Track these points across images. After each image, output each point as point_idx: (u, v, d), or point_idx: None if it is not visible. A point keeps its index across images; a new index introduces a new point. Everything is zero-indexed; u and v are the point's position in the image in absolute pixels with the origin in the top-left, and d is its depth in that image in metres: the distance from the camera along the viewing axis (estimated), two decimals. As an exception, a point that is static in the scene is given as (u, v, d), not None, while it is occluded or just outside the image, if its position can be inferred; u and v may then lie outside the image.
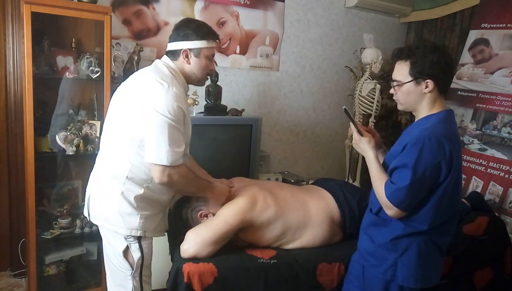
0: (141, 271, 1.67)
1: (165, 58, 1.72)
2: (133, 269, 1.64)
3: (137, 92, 1.58)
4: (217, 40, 1.72)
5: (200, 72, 1.71)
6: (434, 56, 1.49)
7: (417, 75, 1.51)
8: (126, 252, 1.63)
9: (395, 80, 1.58)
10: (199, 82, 1.77)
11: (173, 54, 1.69)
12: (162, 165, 1.52)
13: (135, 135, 1.55)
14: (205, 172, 2.07)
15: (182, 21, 1.74)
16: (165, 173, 1.54)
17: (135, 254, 1.64)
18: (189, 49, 1.65)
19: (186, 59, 1.66)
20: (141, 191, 1.60)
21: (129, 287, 1.65)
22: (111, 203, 1.60)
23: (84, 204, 1.74)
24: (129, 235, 1.61)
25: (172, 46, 1.69)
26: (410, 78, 1.53)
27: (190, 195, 1.88)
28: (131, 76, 1.71)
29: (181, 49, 1.66)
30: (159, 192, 1.65)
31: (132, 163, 1.58)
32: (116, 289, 1.71)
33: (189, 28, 1.66)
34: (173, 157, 1.52)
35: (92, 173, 1.74)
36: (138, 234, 1.62)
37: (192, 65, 1.68)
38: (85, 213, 1.74)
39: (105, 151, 1.68)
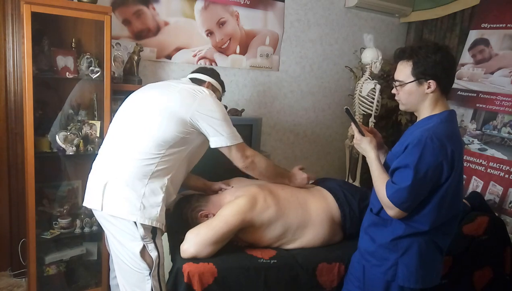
0: (159, 269, 1.68)
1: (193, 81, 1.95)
2: (151, 269, 1.65)
3: (185, 103, 1.71)
4: (224, 93, 2.09)
5: None
6: (436, 56, 1.48)
7: (420, 76, 1.51)
8: (143, 252, 1.63)
9: (397, 81, 1.58)
10: None
11: (199, 81, 1.94)
12: (237, 144, 1.76)
13: (172, 138, 1.67)
14: (199, 177, 2.10)
15: (210, 67, 2.16)
16: (245, 154, 1.80)
17: (153, 253, 1.66)
18: (211, 84, 1.95)
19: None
20: (166, 181, 1.69)
21: (147, 288, 1.65)
22: (136, 191, 1.63)
23: (86, 197, 1.74)
24: (145, 235, 1.63)
25: (199, 76, 1.97)
26: (412, 79, 1.52)
27: (271, 181, 2.01)
28: (165, 83, 1.92)
29: (206, 81, 1.95)
30: (175, 186, 1.76)
31: (163, 154, 1.66)
32: (130, 290, 1.70)
33: (213, 72, 2.02)
34: (238, 135, 1.78)
35: (105, 161, 1.74)
36: (158, 225, 1.66)
37: None
38: (92, 204, 1.70)
39: (129, 140, 1.70)
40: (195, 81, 1.93)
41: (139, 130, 1.69)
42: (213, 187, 2.08)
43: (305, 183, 2.08)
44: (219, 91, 2.00)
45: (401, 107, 1.64)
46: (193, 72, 2.01)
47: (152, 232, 1.65)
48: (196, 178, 2.09)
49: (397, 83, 1.58)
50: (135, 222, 1.61)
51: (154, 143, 1.65)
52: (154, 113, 1.70)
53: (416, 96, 1.55)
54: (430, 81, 1.50)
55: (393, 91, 1.63)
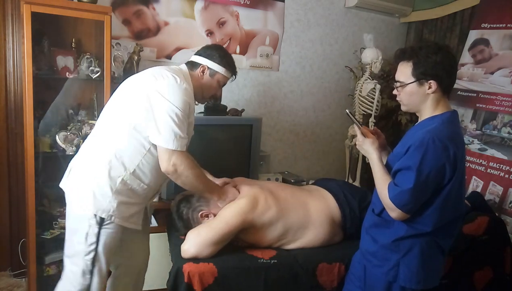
0: (94, 258, 1.65)
1: (183, 65, 1.85)
2: (85, 252, 1.64)
3: (149, 81, 1.66)
4: (234, 76, 1.91)
5: (206, 91, 1.87)
6: (437, 56, 1.47)
7: (420, 76, 1.50)
8: (84, 233, 1.64)
9: (398, 81, 1.57)
10: (201, 99, 1.92)
11: (193, 66, 1.84)
12: (168, 149, 1.60)
13: (134, 117, 1.63)
14: (206, 172, 2.05)
15: (215, 45, 1.95)
16: (171, 160, 1.62)
17: (90, 239, 1.63)
18: (208, 67, 1.83)
19: (201, 74, 1.83)
20: (125, 173, 1.64)
21: (80, 265, 1.65)
22: (89, 180, 1.64)
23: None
24: (93, 218, 1.61)
25: (195, 58, 1.86)
26: (413, 79, 1.52)
27: (197, 193, 1.90)
28: (142, 72, 1.79)
29: (201, 64, 1.83)
30: (139, 182, 1.69)
31: (123, 144, 1.64)
32: (67, 260, 1.71)
33: (217, 52, 1.85)
34: (178, 141, 1.61)
35: (79, 152, 1.77)
36: (103, 215, 1.62)
37: (204, 82, 1.83)
38: (62, 185, 1.75)
39: (99, 132, 1.73)
40: (190, 65, 1.84)
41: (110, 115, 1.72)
42: (218, 182, 2.02)
43: (237, 196, 1.92)
44: (221, 74, 1.84)
45: (403, 108, 1.63)
46: (195, 53, 1.89)
47: (100, 221, 1.64)
48: (206, 173, 2.04)
49: (398, 84, 1.57)
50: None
51: (120, 124, 1.66)
52: (123, 96, 1.72)
53: (417, 97, 1.54)
54: (431, 81, 1.50)
55: (394, 92, 1.62)
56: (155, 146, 1.65)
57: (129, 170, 1.65)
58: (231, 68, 1.88)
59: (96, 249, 1.65)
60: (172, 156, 1.62)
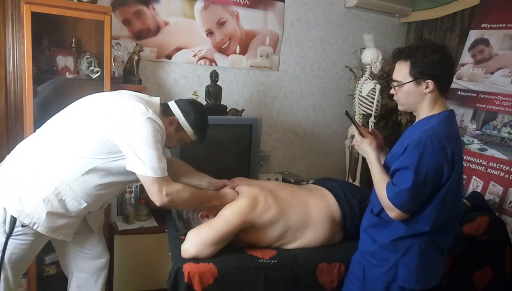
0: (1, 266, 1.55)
1: (156, 100, 1.74)
2: None
3: (116, 109, 1.58)
4: (200, 142, 1.84)
5: (166, 139, 1.71)
6: (434, 56, 1.48)
7: (418, 76, 1.50)
8: None
9: (395, 81, 1.58)
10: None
11: (165, 111, 1.75)
12: (156, 178, 1.55)
13: (91, 139, 1.56)
14: (204, 174, 2.06)
15: (197, 104, 1.83)
16: (163, 191, 1.58)
17: None
18: (178, 122, 1.74)
19: (168, 124, 1.71)
20: (59, 184, 1.56)
21: None
22: (17, 181, 1.54)
23: None
24: (1, 225, 1.51)
25: (172, 106, 1.77)
26: (410, 79, 1.52)
27: (199, 207, 1.87)
28: (109, 95, 1.72)
29: (173, 115, 1.74)
30: (72, 198, 1.59)
31: (66, 162, 1.57)
32: None
33: (195, 113, 1.76)
34: (163, 167, 1.56)
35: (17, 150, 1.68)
36: (26, 221, 1.52)
37: (167, 132, 1.69)
38: None
39: (45, 138, 1.64)
40: (164, 107, 1.74)
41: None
42: (217, 184, 2.02)
43: (236, 196, 1.90)
44: (186, 133, 1.76)
45: (400, 107, 1.64)
46: (176, 100, 1.80)
47: (9, 231, 1.54)
48: (203, 175, 2.04)
49: (395, 84, 1.58)
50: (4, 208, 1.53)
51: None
52: (81, 115, 1.64)
53: (414, 97, 1.54)
54: (428, 81, 1.50)
55: (392, 91, 1.62)
56: (95, 171, 1.58)
57: (64, 183, 1.56)
58: (201, 134, 1.81)
59: (1, 261, 1.54)
60: (162, 186, 1.57)
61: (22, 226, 1.54)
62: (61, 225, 1.60)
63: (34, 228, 1.54)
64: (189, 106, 1.76)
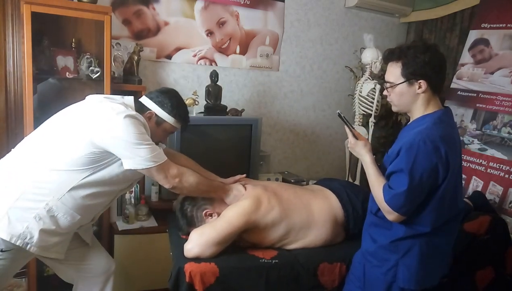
0: None
1: (129, 100, 1.71)
2: None
3: (96, 116, 1.57)
4: (185, 127, 1.81)
5: (151, 135, 1.68)
6: (425, 56, 1.47)
7: (410, 76, 1.50)
8: None
9: (387, 82, 1.57)
10: None
11: (141, 108, 1.72)
12: (158, 164, 1.58)
13: (80, 149, 1.53)
14: (212, 174, 2.06)
15: (170, 91, 1.80)
16: (169, 174, 1.62)
17: None
18: (155, 114, 1.72)
19: (147, 120, 1.68)
20: (50, 198, 1.52)
21: None
22: (6, 199, 1.49)
23: None
24: (7, 242, 1.46)
25: (145, 101, 1.74)
26: (402, 79, 1.51)
27: (204, 195, 1.87)
28: (84, 102, 1.70)
29: (149, 109, 1.71)
30: (65, 212, 1.56)
31: (56, 173, 1.54)
32: None
33: (170, 100, 1.72)
34: (160, 154, 1.59)
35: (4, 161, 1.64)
36: (18, 242, 1.46)
37: (149, 127, 1.68)
38: None
39: (31, 148, 1.61)
40: (139, 105, 1.71)
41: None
42: (227, 181, 2.01)
43: (241, 194, 1.90)
44: (169, 124, 1.73)
45: (394, 108, 1.63)
46: (147, 94, 1.77)
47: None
48: (211, 175, 2.03)
49: (387, 85, 1.57)
50: None
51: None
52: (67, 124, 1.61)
53: (407, 97, 1.54)
54: (420, 81, 1.49)
55: (385, 93, 1.62)
56: (85, 183, 1.56)
57: (55, 197, 1.53)
58: (182, 120, 1.77)
59: None
60: (167, 171, 1.61)
61: (2, 251, 1.48)
62: (54, 243, 1.57)
63: (27, 248, 1.49)
64: (162, 96, 1.73)
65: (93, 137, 1.53)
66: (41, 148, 1.59)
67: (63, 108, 1.71)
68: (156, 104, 1.71)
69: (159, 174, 1.61)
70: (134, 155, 1.54)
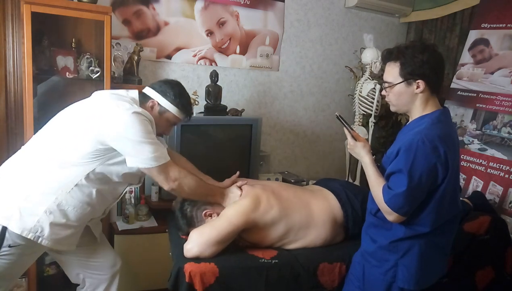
0: None
1: (134, 93, 1.73)
2: None
3: (103, 113, 1.58)
4: (187, 117, 1.80)
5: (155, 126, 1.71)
6: (423, 56, 1.47)
7: (408, 76, 1.50)
8: None
9: (386, 82, 1.57)
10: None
11: (144, 98, 1.73)
12: (160, 165, 1.58)
13: (87, 146, 1.55)
14: (209, 178, 2.06)
15: (172, 81, 1.80)
16: (170, 177, 1.63)
17: None
18: (158, 103, 1.72)
19: (150, 109, 1.71)
20: (60, 192, 1.55)
21: None
22: (16, 194, 1.52)
23: None
24: (19, 235, 1.48)
25: (147, 91, 1.75)
26: (400, 79, 1.51)
27: (203, 199, 1.88)
28: (90, 99, 1.72)
29: (151, 99, 1.72)
30: (74, 205, 1.58)
31: (66, 168, 1.56)
32: None
33: (172, 89, 1.73)
34: (163, 154, 1.60)
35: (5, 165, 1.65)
36: (29, 236, 1.49)
37: (152, 116, 1.68)
38: None
39: (40, 144, 1.63)
40: (142, 96, 1.73)
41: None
42: (224, 185, 2.02)
43: (237, 197, 1.90)
44: (172, 114, 1.73)
45: (392, 108, 1.63)
46: (150, 84, 1.78)
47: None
48: (208, 178, 2.03)
49: (386, 85, 1.57)
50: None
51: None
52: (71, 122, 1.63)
53: (406, 97, 1.54)
54: (418, 81, 1.49)
55: (383, 93, 1.62)
56: (93, 176, 1.58)
57: (64, 191, 1.55)
58: (185, 109, 1.76)
59: None
60: (168, 172, 1.62)
61: (9, 246, 1.50)
62: (65, 236, 1.59)
63: (39, 242, 1.51)
64: (165, 85, 1.74)
65: (98, 134, 1.54)
66: (50, 144, 1.61)
67: (63, 108, 1.71)
68: (159, 93, 1.72)
69: (159, 175, 1.62)
70: (138, 152, 1.55)
